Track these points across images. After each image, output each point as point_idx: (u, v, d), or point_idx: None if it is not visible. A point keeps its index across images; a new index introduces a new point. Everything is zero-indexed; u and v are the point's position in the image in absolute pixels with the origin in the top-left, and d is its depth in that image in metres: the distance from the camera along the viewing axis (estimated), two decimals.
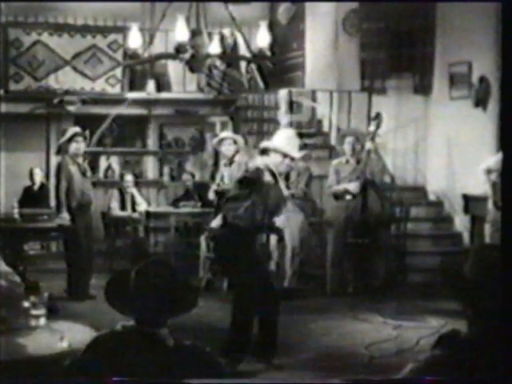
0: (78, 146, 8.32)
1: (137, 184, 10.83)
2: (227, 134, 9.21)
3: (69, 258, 8.44)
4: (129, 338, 2.62)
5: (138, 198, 10.56)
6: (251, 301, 5.76)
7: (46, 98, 10.70)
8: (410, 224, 9.12)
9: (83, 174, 8.43)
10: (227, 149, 8.74)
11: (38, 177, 10.77)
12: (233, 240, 5.81)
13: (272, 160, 5.82)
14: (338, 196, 8.58)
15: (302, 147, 8.87)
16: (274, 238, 8.83)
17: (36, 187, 10.78)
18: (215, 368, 2.68)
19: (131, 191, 10.53)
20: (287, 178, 8.52)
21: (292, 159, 5.91)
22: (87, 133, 8.57)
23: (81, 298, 8.03)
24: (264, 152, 5.91)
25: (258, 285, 5.73)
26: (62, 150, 8.50)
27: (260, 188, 5.71)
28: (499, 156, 7.79)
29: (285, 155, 5.83)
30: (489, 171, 7.90)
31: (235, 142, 8.81)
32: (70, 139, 8.33)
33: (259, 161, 5.86)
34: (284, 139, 5.92)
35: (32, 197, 10.45)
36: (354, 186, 8.48)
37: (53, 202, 8.86)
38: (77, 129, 8.60)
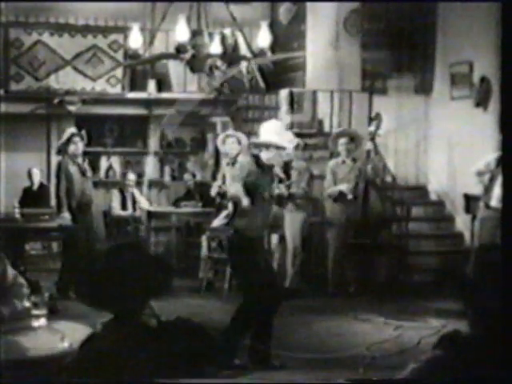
0: (76, 147, 8.37)
1: (138, 183, 10.85)
2: (232, 131, 9.15)
3: (65, 256, 8.46)
4: (112, 334, 2.53)
5: (138, 196, 10.57)
6: (257, 303, 5.76)
7: (46, 98, 10.70)
8: (411, 224, 9.12)
9: (83, 174, 8.46)
10: (231, 147, 8.65)
11: (37, 177, 10.77)
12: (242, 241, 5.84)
13: (267, 155, 5.80)
14: (335, 198, 8.59)
15: (303, 145, 8.94)
16: (275, 238, 8.84)
17: (35, 187, 10.78)
18: (204, 338, 2.63)
19: (132, 190, 10.54)
20: (288, 177, 8.53)
21: (284, 149, 5.92)
22: (84, 133, 8.59)
23: (68, 296, 8.08)
24: (257, 147, 5.91)
25: (263, 286, 5.75)
26: (61, 152, 8.53)
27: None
28: (489, 158, 7.83)
29: (277, 147, 5.81)
30: (480, 173, 7.93)
31: (239, 142, 8.73)
32: (68, 140, 8.37)
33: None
34: (273, 133, 5.87)
35: (32, 197, 10.45)
36: (346, 187, 8.48)
37: (53, 202, 8.87)
38: (73, 130, 8.64)
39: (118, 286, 2.51)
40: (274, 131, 5.83)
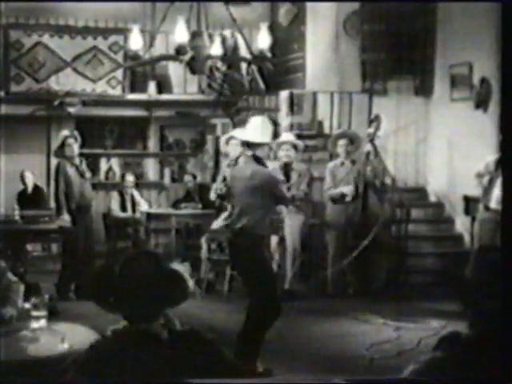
0: (71, 149, 8.37)
1: (137, 185, 10.84)
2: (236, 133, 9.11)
3: (65, 258, 8.48)
4: (121, 342, 2.54)
5: (138, 198, 10.57)
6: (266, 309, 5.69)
7: (46, 100, 10.71)
8: (411, 225, 9.11)
9: (81, 175, 8.45)
10: (234, 149, 8.63)
11: (30, 180, 10.75)
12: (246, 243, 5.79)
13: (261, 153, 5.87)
14: (335, 200, 8.59)
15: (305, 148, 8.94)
16: (274, 240, 8.82)
17: (29, 190, 10.75)
18: (213, 350, 2.62)
19: (131, 192, 10.53)
20: (288, 179, 8.53)
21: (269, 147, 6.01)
22: (76, 133, 8.59)
23: (68, 298, 8.09)
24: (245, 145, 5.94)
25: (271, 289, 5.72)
26: (58, 156, 8.55)
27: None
28: (488, 160, 7.83)
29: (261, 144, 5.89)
30: (479, 175, 7.93)
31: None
32: (63, 144, 8.38)
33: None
34: (253, 130, 5.89)
35: (27, 200, 10.42)
36: (348, 189, 8.48)
37: (52, 204, 8.87)
38: (66, 132, 8.63)
39: (132, 295, 2.55)
40: (261, 128, 5.87)
